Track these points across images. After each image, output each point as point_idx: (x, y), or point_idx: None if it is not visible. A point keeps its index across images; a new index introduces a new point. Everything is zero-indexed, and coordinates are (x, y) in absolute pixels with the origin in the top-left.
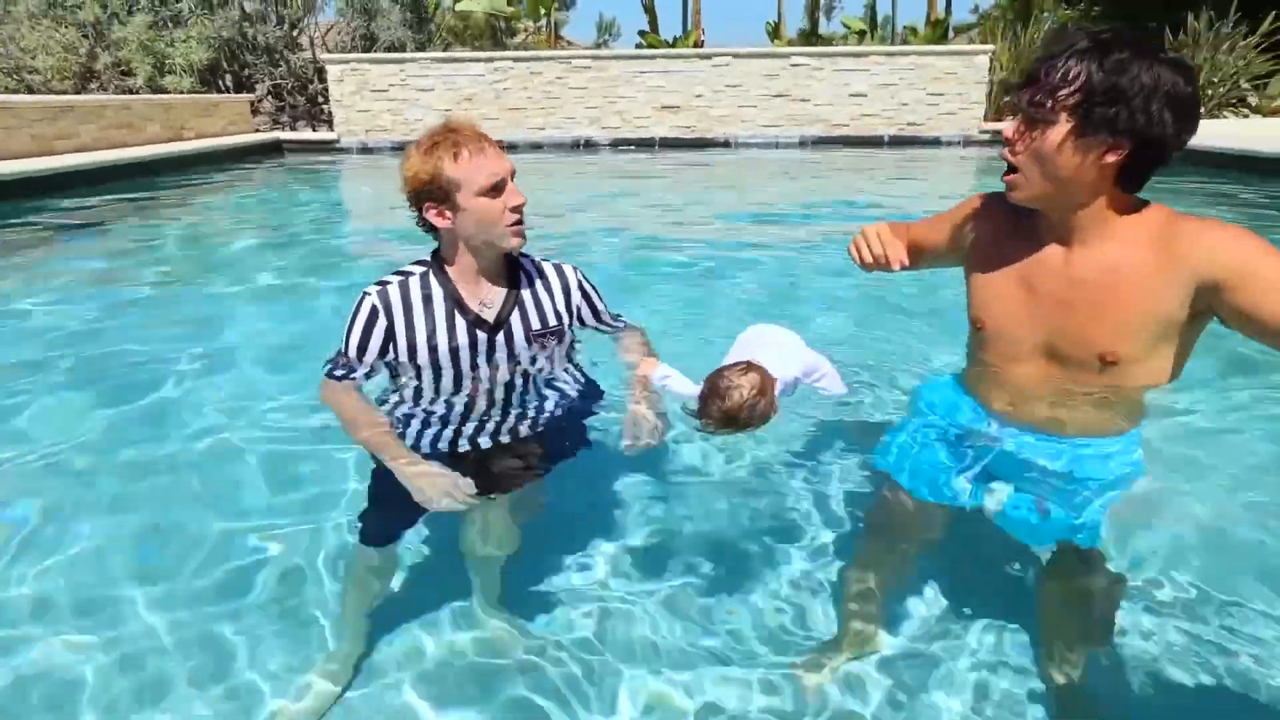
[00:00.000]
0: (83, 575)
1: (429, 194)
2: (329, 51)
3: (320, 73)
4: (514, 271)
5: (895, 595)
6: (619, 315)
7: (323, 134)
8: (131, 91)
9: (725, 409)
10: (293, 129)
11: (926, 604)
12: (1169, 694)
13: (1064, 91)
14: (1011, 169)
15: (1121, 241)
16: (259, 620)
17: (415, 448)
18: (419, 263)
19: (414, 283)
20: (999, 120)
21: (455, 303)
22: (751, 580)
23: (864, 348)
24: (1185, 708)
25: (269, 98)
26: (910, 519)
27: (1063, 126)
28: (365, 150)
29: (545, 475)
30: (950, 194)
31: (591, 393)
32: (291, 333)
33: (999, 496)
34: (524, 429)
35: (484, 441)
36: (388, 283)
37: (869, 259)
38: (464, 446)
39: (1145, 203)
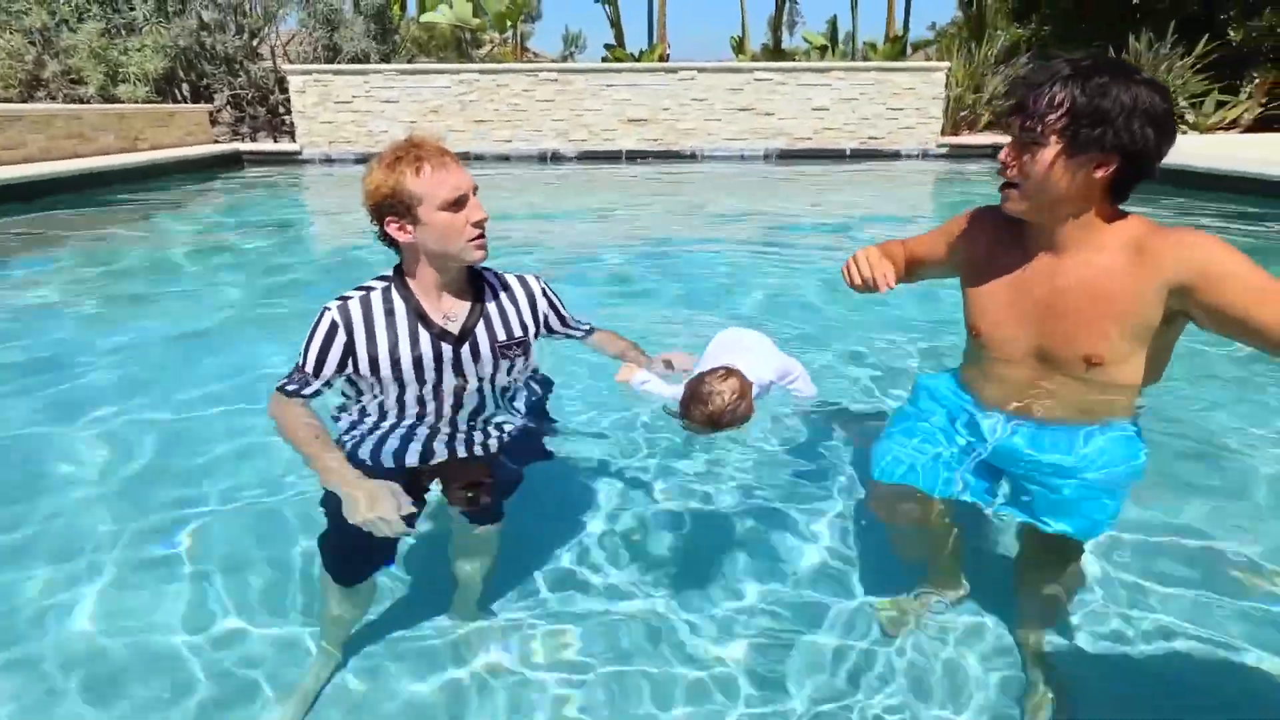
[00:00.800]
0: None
1: (390, 208)
2: (290, 62)
3: (281, 83)
4: (477, 284)
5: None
6: (582, 320)
7: (284, 145)
8: (82, 100)
9: (708, 413)
10: (253, 140)
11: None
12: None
13: (1052, 116)
14: (1008, 184)
15: (1104, 250)
16: (232, 633)
17: (375, 462)
18: (381, 277)
19: (376, 297)
20: (956, 134)
21: (419, 316)
22: (736, 581)
23: (840, 346)
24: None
25: (228, 108)
26: (913, 512)
27: (1053, 147)
28: (328, 161)
29: (509, 490)
30: (911, 205)
31: (553, 406)
32: (254, 352)
33: (999, 490)
34: (488, 443)
35: (440, 452)
36: (349, 298)
37: (858, 281)
38: (421, 457)
39: (1125, 214)
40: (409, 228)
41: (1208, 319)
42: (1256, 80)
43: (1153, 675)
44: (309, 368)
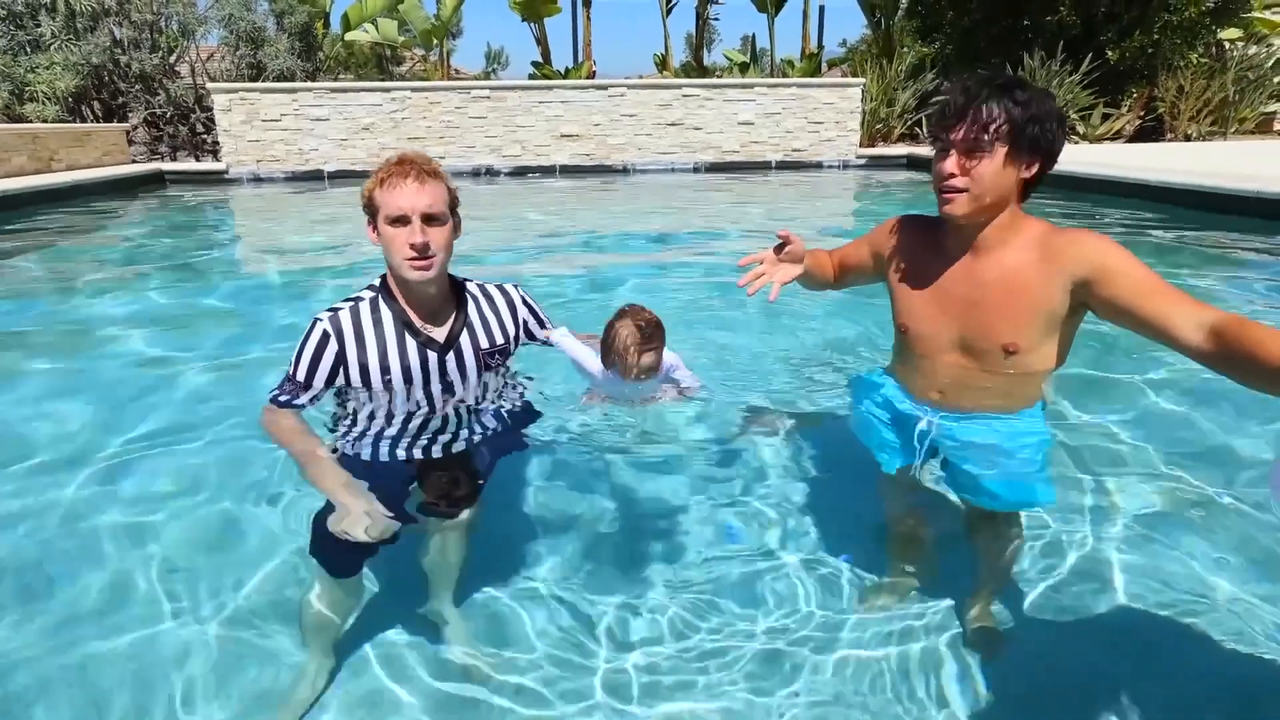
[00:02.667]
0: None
1: (366, 211)
2: (211, 80)
3: (201, 101)
4: (460, 295)
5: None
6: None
7: (209, 164)
8: None
9: (637, 322)
10: (172, 159)
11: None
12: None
13: (994, 125)
14: (951, 191)
15: (1013, 249)
16: (221, 641)
17: (368, 462)
18: (369, 288)
19: (364, 308)
20: (872, 145)
21: (405, 325)
22: (706, 568)
23: (778, 343)
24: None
25: (144, 127)
26: (898, 488)
27: (998, 153)
28: (256, 180)
29: (484, 478)
30: (835, 211)
31: (532, 407)
32: (194, 389)
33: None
34: (470, 441)
35: (432, 451)
36: (339, 309)
37: (743, 262)
38: (414, 454)
39: (1027, 216)
40: (374, 234)
41: (1103, 310)
42: (1135, 95)
43: (1091, 634)
44: (300, 377)
